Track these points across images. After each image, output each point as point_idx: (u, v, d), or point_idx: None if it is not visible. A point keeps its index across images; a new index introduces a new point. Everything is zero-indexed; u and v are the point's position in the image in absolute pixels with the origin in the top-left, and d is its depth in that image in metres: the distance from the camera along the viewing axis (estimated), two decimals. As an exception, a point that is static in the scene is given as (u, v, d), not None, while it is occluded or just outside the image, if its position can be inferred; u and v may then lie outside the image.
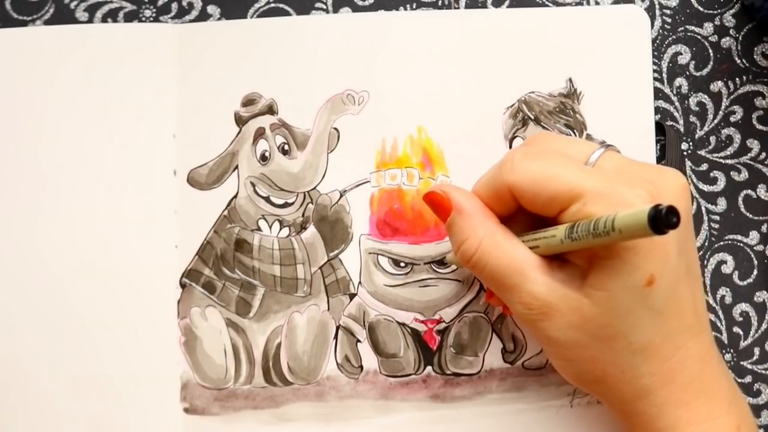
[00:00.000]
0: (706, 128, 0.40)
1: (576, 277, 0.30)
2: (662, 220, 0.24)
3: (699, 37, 0.41)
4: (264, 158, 0.39)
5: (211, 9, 0.40)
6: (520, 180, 0.31)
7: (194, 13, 0.40)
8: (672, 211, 0.25)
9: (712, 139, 0.40)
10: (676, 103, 0.40)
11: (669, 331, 0.30)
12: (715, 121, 0.40)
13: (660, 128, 0.40)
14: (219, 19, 0.40)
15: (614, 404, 0.32)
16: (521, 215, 0.33)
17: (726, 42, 0.41)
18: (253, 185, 0.39)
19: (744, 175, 0.40)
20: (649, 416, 0.31)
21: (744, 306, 0.40)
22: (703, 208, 0.40)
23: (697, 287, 0.31)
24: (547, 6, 0.40)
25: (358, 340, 0.39)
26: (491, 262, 0.31)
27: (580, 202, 0.29)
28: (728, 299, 0.40)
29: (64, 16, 0.40)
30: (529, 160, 0.31)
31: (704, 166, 0.40)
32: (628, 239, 0.27)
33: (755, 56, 0.41)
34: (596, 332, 0.30)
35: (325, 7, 0.40)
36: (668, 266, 0.29)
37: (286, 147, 0.39)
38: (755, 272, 0.40)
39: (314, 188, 0.39)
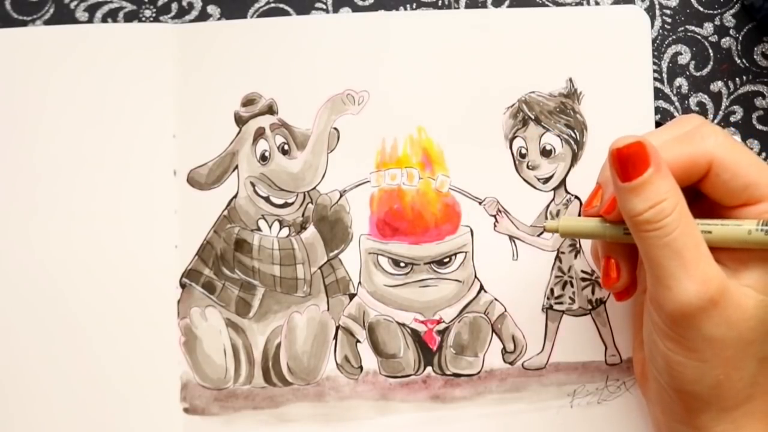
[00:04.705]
0: (706, 128, 0.40)
1: (728, 276, 0.30)
2: None
3: (699, 37, 0.41)
4: (264, 158, 0.39)
5: (211, 9, 0.40)
6: (729, 156, 0.30)
7: (194, 13, 0.40)
8: None
9: (713, 139, 0.40)
10: (676, 103, 0.40)
11: None
12: (715, 121, 0.40)
13: (660, 128, 0.40)
14: (219, 19, 0.40)
15: (701, 412, 0.31)
16: None
17: (726, 42, 0.41)
18: (253, 185, 0.39)
19: (744, 175, 0.40)
20: (737, 426, 0.31)
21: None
22: (703, 208, 0.40)
23: None
24: (547, 6, 0.40)
25: (358, 341, 0.39)
26: (680, 229, 0.29)
27: None
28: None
29: (64, 16, 0.40)
30: (732, 139, 0.31)
31: (704, 166, 0.40)
32: None
33: (755, 56, 0.41)
34: (744, 334, 0.30)
35: (325, 7, 0.40)
36: None
37: (286, 147, 0.39)
38: (755, 272, 0.40)
39: (314, 188, 0.39)
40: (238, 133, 0.39)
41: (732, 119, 0.40)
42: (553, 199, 0.39)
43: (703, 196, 0.32)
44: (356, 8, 0.40)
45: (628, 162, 0.30)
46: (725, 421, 0.31)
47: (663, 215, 0.29)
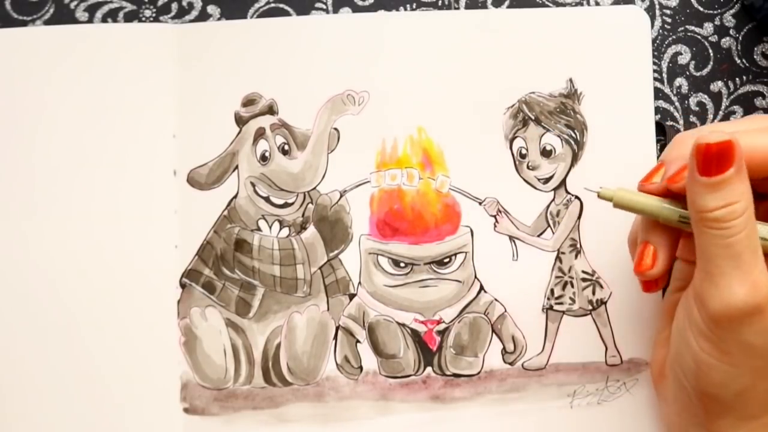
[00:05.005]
0: (706, 128, 0.40)
1: None
2: None
3: (699, 37, 0.41)
4: (264, 158, 0.39)
5: (211, 9, 0.40)
6: None
7: (194, 13, 0.40)
8: None
9: (713, 139, 0.40)
10: (676, 103, 0.40)
11: None
12: (715, 121, 0.40)
13: (660, 128, 0.40)
14: (219, 19, 0.40)
15: (720, 417, 0.31)
16: None
17: (726, 42, 0.41)
18: (253, 185, 0.39)
19: (744, 175, 0.40)
20: None
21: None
22: (703, 209, 0.40)
23: None
24: (547, 6, 0.40)
25: (358, 341, 0.39)
26: (744, 233, 0.29)
27: None
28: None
29: (64, 16, 0.40)
30: None
31: (704, 167, 0.40)
32: None
33: (755, 56, 0.41)
34: None
35: (325, 7, 0.40)
36: None
37: (286, 147, 0.39)
38: (756, 273, 0.40)
39: (314, 188, 0.39)
40: (239, 133, 0.39)
41: (732, 119, 0.40)
42: (553, 200, 0.39)
43: (762, 199, 0.32)
44: (356, 8, 0.40)
45: (713, 158, 0.29)
46: (743, 430, 0.31)
47: (733, 216, 0.29)
